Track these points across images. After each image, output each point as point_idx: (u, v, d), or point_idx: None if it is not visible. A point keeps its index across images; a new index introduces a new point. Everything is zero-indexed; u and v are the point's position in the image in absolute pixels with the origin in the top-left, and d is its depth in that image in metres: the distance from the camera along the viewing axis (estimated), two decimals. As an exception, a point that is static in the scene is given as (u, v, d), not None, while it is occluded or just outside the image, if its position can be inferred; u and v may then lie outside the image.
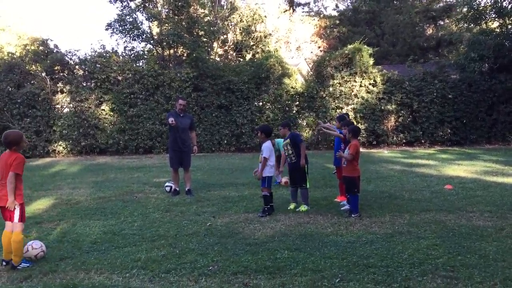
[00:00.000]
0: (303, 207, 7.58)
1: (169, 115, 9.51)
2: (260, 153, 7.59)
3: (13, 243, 5.05)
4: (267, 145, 7.53)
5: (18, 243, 5.06)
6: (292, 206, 7.79)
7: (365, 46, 20.73)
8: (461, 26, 24.64)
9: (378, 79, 20.33)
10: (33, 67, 20.40)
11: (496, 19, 21.69)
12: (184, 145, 9.49)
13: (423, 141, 20.50)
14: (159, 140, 19.86)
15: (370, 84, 20.27)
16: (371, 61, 20.53)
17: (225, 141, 20.15)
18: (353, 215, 7.05)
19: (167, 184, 9.74)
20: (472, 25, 23.18)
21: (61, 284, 4.53)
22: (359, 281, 4.42)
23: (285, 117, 20.00)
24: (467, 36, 22.77)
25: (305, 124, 20.05)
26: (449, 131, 20.36)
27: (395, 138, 20.49)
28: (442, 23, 38.99)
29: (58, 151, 20.01)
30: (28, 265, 5.10)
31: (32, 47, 22.48)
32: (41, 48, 22.31)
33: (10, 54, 21.93)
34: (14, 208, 5.07)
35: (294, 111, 20.38)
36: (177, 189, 9.45)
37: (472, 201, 8.04)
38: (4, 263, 5.13)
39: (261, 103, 20.49)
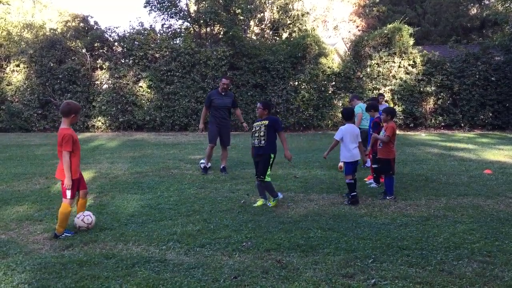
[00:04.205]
0: (261, 202, 6.73)
1: (210, 95, 9.69)
2: None
3: (60, 214, 5.28)
4: (340, 127, 6.93)
5: (64, 214, 5.29)
6: (259, 202, 6.74)
7: (405, 25, 20.19)
8: (507, 6, 23.62)
9: (418, 60, 19.82)
10: (74, 43, 20.87)
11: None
12: (221, 122, 9.60)
13: (462, 124, 19.96)
14: (194, 117, 20.06)
15: (409, 65, 19.80)
16: (411, 41, 20.01)
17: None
18: (387, 197, 6.99)
19: (202, 161, 9.87)
20: (519, 5, 22.22)
21: (101, 253, 4.71)
22: (393, 262, 4.40)
23: (320, 97, 19.85)
24: (514, 16, 21.84)
25: (340, 104, 19.80)
26: (490, 114, 19.74)
27: (433, 120, 20.03)
28: (487, 2, 37.42)
29: (97, 127, 20.54)
30: (70, 234, 5.32)
31: (73, 24, 22.97)
32: (81, 24, 22.78)
33: (52, 31, 22.46)
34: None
35: (330, 92, 20.17)
36: (207, 166, 9.55)
37: (512, 187, 7.83)
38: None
39: (296, 83, 20.33)
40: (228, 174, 9.23)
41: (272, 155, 6.71)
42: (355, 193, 6.80)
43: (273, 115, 7.00)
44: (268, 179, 6.67)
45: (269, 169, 6.68)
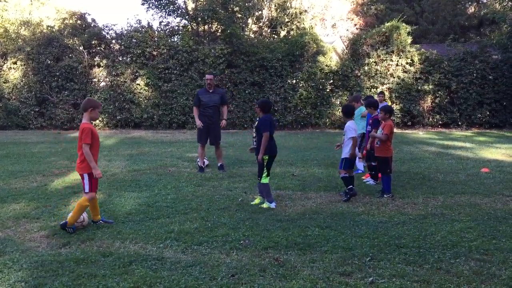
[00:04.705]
0: (259, 200, 6.75)
1: (198, 93, 9.53)
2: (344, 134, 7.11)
3: (78, 204, 5.36)
4: (349, 125, 6.99)
5: (82, 207, 5.36)
6: (256, 200, 6.79)
7: (403, 24, 20.19)
8: (505, 4, 23.64)
9: (416, 58, 19.83)
10: (71, 41, 20.80)
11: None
12: (210, 120, 9.35)
13: (460, 123, 19.98)
14: (192, 115, 19.98)
15: (407, 63, 19.80)
16: (409, 40, 20.02)
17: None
18: (385, 196, 7.00)
19: (198, 159, 9.84)
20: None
21: (98, 251, 4.70)
22: (390, 260, 4.40)
23: (318, 96, 19.84)
24: (511, 15, 21.82)
25: (338, 103, 19.79)
26: (487, 113, 19.76)
27: (431, 119, 20.05)
28: (484, 1, 37.47)
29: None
30: (72, 230, 5.32)
31: (71, 21, 22.88)
32: (79, 22, 22.70)
33: (49, 28, 22.38)
34: (83, 177, 5.41)
35: (327, 90, 20.14)
36: (202, 165, 9.44)
37: (509, 185, 7.84)
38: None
39: (294, 81, 20.31)
40: (225, 172, 9.21)
41: (266, 157, 6.57)
42: (352, 186, 6.87)
43: (271, 114, 6.97)
44: (264, 180, 6.54)
45: (264, 171, 6.54)
